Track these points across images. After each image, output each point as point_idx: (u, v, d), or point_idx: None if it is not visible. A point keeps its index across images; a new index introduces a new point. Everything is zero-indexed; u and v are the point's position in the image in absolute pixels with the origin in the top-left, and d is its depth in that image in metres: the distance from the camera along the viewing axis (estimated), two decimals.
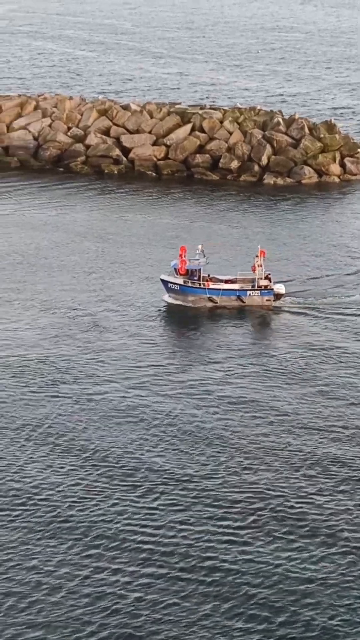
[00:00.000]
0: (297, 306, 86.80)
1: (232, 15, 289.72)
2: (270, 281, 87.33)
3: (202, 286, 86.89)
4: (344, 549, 52.92)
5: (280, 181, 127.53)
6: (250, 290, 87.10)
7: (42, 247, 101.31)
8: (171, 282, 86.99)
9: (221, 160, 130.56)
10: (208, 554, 52.50)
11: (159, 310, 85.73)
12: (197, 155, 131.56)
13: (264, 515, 55.81)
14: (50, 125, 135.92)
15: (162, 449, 62.52)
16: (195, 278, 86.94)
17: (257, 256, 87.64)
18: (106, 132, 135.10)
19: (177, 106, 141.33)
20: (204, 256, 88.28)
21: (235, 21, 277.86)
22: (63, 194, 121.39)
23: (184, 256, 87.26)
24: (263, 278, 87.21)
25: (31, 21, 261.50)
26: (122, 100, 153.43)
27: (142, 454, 61.95)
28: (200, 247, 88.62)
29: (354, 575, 51.01)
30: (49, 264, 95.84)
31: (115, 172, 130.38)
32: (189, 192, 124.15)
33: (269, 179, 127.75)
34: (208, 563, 51.77)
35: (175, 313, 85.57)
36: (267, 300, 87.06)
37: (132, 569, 51.34)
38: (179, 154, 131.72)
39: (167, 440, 63.57)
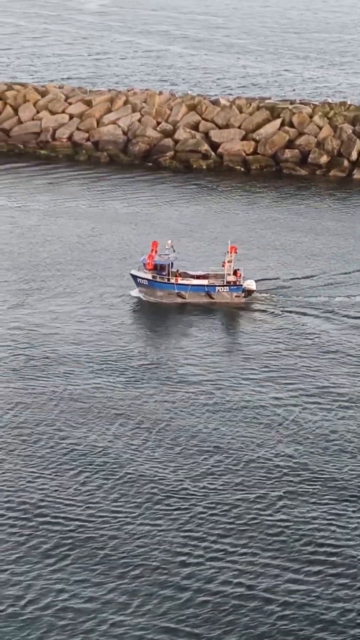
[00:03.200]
0: (267, 303, 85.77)
1: (325, 10, 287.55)
2: (239, 277, 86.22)
3: (170, 281, 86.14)
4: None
5: None
6: (219, 286, 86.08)
7: (132, 241, 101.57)
8: (140, 277, 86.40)
9: (310, 155, 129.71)
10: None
11: (127, 305, 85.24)
12: (286, 150, 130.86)
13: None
14: (139, 120, 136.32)
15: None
16: (164, 273, 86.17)
17: (227, 252, 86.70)
18: (195, 127, 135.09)
19: (266, 101, 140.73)
20: (174, 251, 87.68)
21: (328, 16, 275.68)
22: (152, 189, 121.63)
23: (155, 251, 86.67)
24: (231, 274, 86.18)
25: (123, 16, 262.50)
26: (211, 95, 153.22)
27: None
28: (169, 242, 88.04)
29: None
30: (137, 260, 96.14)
31: (204, 166, 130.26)
32: (278, 187, 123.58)
33: (358, 174, 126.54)
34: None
35: (143, 308, 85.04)
36: (236, 296, 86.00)
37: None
38: (268, 148, 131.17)
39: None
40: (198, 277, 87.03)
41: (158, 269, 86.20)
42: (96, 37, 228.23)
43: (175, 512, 55.64)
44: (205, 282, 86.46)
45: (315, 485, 58.63)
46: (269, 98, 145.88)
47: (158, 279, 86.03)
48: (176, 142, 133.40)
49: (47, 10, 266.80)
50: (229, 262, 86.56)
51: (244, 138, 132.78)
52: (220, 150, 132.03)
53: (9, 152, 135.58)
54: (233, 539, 53.51)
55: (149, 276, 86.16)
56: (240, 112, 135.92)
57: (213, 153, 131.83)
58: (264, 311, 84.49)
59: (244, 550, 52.70)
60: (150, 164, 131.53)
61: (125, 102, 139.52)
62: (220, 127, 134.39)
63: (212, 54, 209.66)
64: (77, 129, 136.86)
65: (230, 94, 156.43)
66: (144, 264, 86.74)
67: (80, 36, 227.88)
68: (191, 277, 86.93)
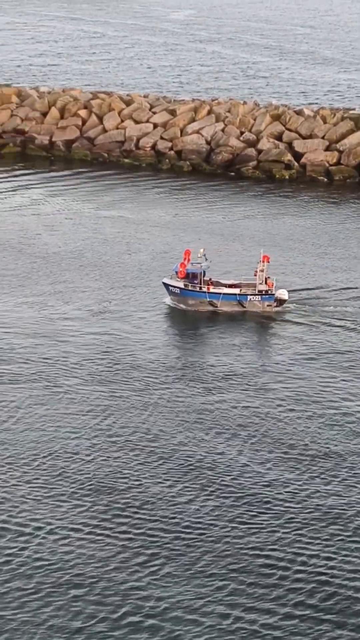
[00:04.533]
0: (300, 313, 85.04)
1: None
2: (271, 286, 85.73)
3: (202, 290, 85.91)
4: None
5: None
6: (251, 295, 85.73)
7: (212, 251, 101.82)
8: (172, 286, 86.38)
9: None
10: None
11: (159, 313, 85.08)
12: None
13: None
14: (223, 130, 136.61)
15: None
16: (196, 281, 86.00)
17: (260, 261, 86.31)
18: (279, 137, 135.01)
19: (351, 111, 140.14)
20: (206, 260, 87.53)
21: None
22: (233, 199, 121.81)
23: (188, 260, 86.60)
24: (263, 283, 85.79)
25: (208, 26, 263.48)
26: (295, 105, 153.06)
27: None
28: (202, 250, 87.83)
29: None
30: (220, 269, 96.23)
31: (287, 177, 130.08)
32: None
33: None
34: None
35: (175, 317, 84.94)
36: (267, 305, 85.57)
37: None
38: (352, 159, 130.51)
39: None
40: (230, 286, 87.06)
41: (190, 277, 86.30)
42: (182, 47, 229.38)
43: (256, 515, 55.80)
44: (237, 291, 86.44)
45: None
46: (354, 109, 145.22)
47: (190, 288, 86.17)
48: (259, 151, 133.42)
49: (134, 21, 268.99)
50: (261, 271, 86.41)
51: (327, 148, 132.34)
52: (303, 160, 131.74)
53: (93, 160, 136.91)
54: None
55: (181, 284, 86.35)
56: (324, 122, 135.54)
57: (296, 163, 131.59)
58: (294, 322, 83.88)
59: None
60: (232, 174, 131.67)
61: (209, 112, 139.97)
62: (303, 137, 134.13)
63: (297, 64, 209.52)
64: (161, 138, 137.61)
65: (314, 104, 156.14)
66: (176, 273, 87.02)
67: (167, 46, 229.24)
68: (223, 285, 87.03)
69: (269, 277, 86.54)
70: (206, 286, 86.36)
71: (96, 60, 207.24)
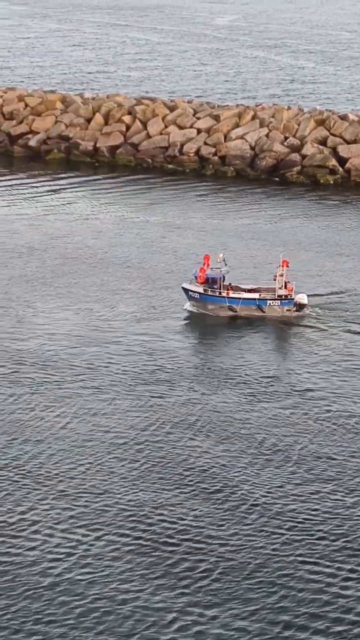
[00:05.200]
0: (318, 318, 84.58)
1: None
2: (291, 291, 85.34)
3: (221, 295, 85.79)
4: None
5: None
6: (270, 299, 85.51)
7: (258, 256, 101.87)
8: (192, 291, 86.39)
9: None
10: None
11: (179, 318, 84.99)
12: None
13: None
14: (267, 135, 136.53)
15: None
16: (215, 286, 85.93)
17: (279, 266, 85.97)
18: (323, 142, 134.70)
19: None
20: (226, 265, 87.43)
21: None
22: (277, 204, 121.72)
23: (207, 265, 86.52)
24: (283, 287, 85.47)
25: (252, 32, 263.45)
26: (340, 110, 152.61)
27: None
28: (221, 255, 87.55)
29: None
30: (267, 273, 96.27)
31: (331, 182, 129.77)
32: None
33: None
34: None
35: (194, 322, 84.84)
36: (287, 310, 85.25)
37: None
38: None
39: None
40: (249, 290, 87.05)
41: (209, 282, 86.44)
42: (227, 52, 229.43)
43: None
44: (256, 295, 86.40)
45: None
46: None
47: (209, 293, 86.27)
48: (303, 157, 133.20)
49: (179, 27, 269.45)
50: (280, 275, 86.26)
51: None
52: (348, 165, 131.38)
53: (137, 166, 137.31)
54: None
55: (200, 289, 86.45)
56: None
57: (341, 168, 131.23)
58: (313, 327, 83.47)
59: None
60: (276, 179, 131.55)
61: (253, 117, 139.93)
62: (348, 142, 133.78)
63: (342, 69, 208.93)
64: (205, 143, 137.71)
65: (359, 109, 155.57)
66: (196, 278, 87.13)
67: (211, 52, 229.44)
68: (243, 290, 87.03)
69: (288, 282, 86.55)
70: (225, 291, 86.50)
71: (141, 67, 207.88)
